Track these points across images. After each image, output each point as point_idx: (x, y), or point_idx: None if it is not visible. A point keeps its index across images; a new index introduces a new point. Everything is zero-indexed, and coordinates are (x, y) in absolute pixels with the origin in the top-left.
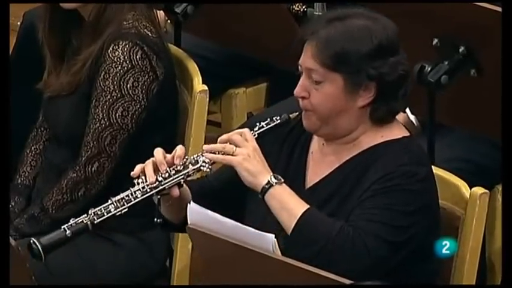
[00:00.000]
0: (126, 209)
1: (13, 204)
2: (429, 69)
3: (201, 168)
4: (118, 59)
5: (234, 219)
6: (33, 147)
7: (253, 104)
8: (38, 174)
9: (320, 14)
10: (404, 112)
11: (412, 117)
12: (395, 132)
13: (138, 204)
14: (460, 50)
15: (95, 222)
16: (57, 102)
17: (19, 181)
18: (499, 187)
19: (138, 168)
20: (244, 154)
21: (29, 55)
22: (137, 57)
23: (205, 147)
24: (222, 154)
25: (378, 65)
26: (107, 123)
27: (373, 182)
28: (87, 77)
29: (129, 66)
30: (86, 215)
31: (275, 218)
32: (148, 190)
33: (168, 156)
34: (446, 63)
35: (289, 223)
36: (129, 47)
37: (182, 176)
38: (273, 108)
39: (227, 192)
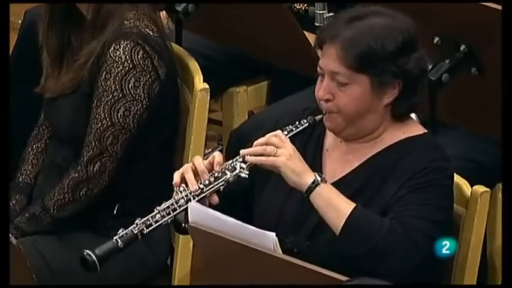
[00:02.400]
0: (172, 218)
1: (14, 202)
2: (430, 67)
3: (240, 174)
4: (119, 59)
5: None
6: (34, 146)
7: (254, 103)
8: (39, 172)
9: (321, 12)
10: None
11: (413, 115)
12: (415, 128)
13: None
14: (461, 48)
15: (144, 232)
16: (59, 102)
17: (20, 179)
18: (500, 185)
19: (177, 176)
20: (287, 154)
21: (30, 54)
22: (138, 56)
23: (245, 151)
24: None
25: (403, 62)
26: (109, 123)
27: (406, 179)
28: (88, 76)
29: (131, 66)
30: (134, 225)
31: (289, 222)
32: (191, 198)
33: (206, 162)
34: (447, 61)
35: (337, 221)
36: (131, 47)
37: (223, 183)
38: (274, 107)
39: (234, 191)
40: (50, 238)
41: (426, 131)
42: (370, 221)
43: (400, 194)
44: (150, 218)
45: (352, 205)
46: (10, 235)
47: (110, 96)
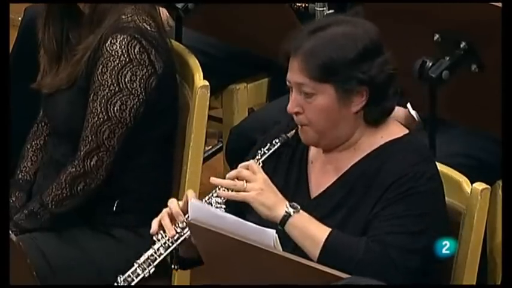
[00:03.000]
0: (153, 269)
1: (14, 199)
2: (430, 64)
3: (217, 208)
4: (116, 53)
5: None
6: (33, 143)
7: (254, 100)
8: (38, 169)
9: (322, 9)
10: (406, 107)
11: (413, 113)
12: (394, 130)
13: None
14: (461, 45)
15: None
16: (56, 97)
17: (20, 176)
18: (500, 182)
19: (155, 225)
20: (257, 189)
21: (29, 51)
22: (135, 50)
23: (216, 181)
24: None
25: (366, 68)
26: (105, 117)
27: (385, 190)
28: (85, 70)
29: (127, 59)
30: (115, 284)
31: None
32: (170, 244)
33: (182, 204)
34: (447, 58)
35: (314, 250)
36: (127, 41)
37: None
38: (274, 104)
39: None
40: (50, 235)
41: (407, 131)
42: (346, 244)
43: (378, 208)
44: (131, 274)
45: (327, 231)
46: (10, 232)
47: (107, 90)
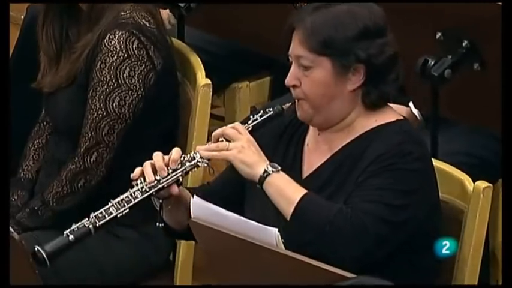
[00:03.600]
0: (127, 210)
1: (15, 198)
2: (432, 63)
3: (198, 164)
4: (114, 49)
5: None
6: (35, 142)
7: (256, 98)
8: (40, 168)
9: None
10: (408, 106)
11: (416, 111)
12: (389, 116)
13: (138, 205)
14: (464, 43)
15: (97, 225)
16: (56, 95)
17: (21, 175)
18: None
19: (137, 170)
20: (238, 147)
21: (31, 50)
22: (133, 46)
23: (199, 147)
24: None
25: (365, 46)
26: (104, 113)
27: (368, 164)
28: (84, 67)
29: (125, 55)
30: (87, 218)
31: (274, 211)
32: (147, 189)
33: (166, 158)
34: (449, 57)
35: (287, 209)
36: (126, 37)
37: (180, 173)
38: (276, 102)
39: (227, 192)
40: (52, 233)
41: (401, 117)
42: (320, 206)
43: (360, 180)
44: (103, 211)
45: (302, 192)
46: (12, 230)
47: (105, 86)
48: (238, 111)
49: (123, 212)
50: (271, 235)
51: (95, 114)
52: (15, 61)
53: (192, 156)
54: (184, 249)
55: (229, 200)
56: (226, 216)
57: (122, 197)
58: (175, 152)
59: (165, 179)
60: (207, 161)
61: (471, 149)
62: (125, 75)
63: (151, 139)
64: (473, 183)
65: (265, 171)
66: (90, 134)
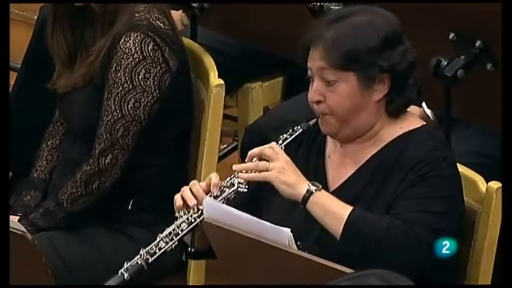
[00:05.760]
0: (175, 243)
1: (29, 198)
2: (445, 63)
3: (239, 189)
4: (129, 51)
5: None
6: (49, 142)
7: (269, 98)
8: (54, 168)
9: (337, 8)
10: (421, 106)
11: (428, 111)
12: (413, 122)
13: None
14: (477, 44)
15: (149, 261)
16: (72, 96)
17: (35, 175)
18: None
19: (179, 198)
20: (279, 167)
21: (45, 50)
22: (149, 48)
23: (237, 167)
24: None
25: (388, 56)
26: (119, 115)
27: (406, 174)
28: (100, 69)
29: (141, 57)
30: (139, 256)
31: (297, 228)
32: (192, 220)
33: (203, 185)
34: (462, 57)
35: (336, 227)
36: (141, 38)
37: (222, 201)
38: (289, 102)
39: (245, 207)
40: (65, 233)
41: (425, 123)
42: (369, 221)
43: (400, 190)
44: (153, 246)
45: (349, 208)
46: (25, 230)
47: (120, 88)
48: (251, 112)
49: (173, 246)
50: (283, 235)
51: (110, 116)
52: (29, 62)
53: (231, 182)
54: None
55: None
56: (238, 217)
57: (168, 230)
58: (214, 176)
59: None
60: (246, 186)
61: (484, 149)
62: (140, 77)
63: (166, 141)
64: (486, 183)
65: (308, 190)
66: (105, 136)
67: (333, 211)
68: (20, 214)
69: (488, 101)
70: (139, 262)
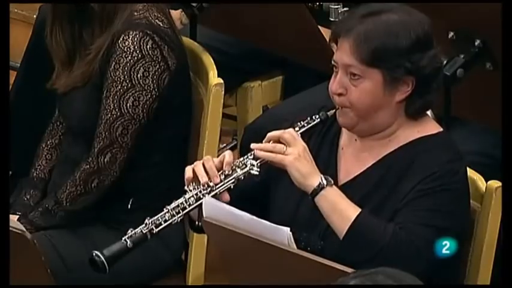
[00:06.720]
0: (181, 217)
1: (28, 197)
2: (445, 62)
3: (250, 171)
4: (128, 49)
5: (261, 218)
6: (49, 142)
7: (268, 97)
8: (53, 167)
9: (336, 7)
10: None
11: (428, 112)
12: (430, 127)
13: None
14: (476, 43)
15: (154, 231)
16: (71, 95)
17: (34, 174)
18: None
19: (189, 170)
20: (295, 154)
21: (44, 49)
22: (147, 47)
23: (255, 145)
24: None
25: (417, 59)
26: (118, 114)
27: (418, 182)
28: (99, 67)
29: (139, 56)
30: (144, 224)
31: (304, 219)
32: (201, 196)
33: (216, 161)
34: (462, 56)
35: (341, 226)
36: (140, 37)
37: (233, 180)
38: (289, 101)
39: (254, 193)
40: (64, 232)
41: (441, 129)
42: (374, 227)
43: (409, 198)
44: (159, 217)
45: (358, 210)
46: (25, 230)
47: (119, 87)
48: (251, 111)
49: (178, 219)
50: (283, 235)
51: (109, 115)
52: (28, 61)
53: (244, 162)
54: (196, 248)
55: (248, 197)
56: (238, 216)
57: (176, 203)
58: (228, 155)
59: (218, 186)
60: (258, 169)
61: (483, 148)
62: (139, 75)
63: (166, 139)
64: (486, 182)
65: (319, 184)
66: (104, 134)
67: (341, 210)
68: (20, 213)
69: (487, 100)
70: (143, 231)
